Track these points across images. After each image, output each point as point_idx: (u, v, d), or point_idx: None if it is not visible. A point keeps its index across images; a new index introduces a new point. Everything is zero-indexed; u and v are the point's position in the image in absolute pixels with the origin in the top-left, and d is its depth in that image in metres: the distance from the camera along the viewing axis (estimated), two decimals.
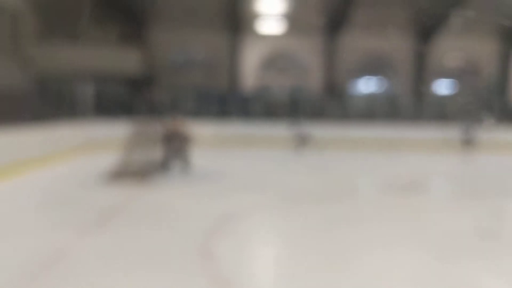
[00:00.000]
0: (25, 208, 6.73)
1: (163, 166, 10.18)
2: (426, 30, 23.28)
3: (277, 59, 24.88)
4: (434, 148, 16.44)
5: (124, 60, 20.61)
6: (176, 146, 10.00)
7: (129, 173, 9.36)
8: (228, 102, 19.99)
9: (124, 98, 18.54)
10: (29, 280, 3.87)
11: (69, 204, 7.04)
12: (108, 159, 10.69)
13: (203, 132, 17.97)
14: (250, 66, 24.43)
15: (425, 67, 24.50)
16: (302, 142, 15.93)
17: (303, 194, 8.10)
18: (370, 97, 24.69)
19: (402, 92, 23.45)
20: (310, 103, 20.81)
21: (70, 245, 4.81)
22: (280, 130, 19.05)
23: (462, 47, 24.50)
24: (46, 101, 11.62)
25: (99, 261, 4.42)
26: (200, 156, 10.43)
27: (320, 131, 19.02)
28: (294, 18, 23.20)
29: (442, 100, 24.17)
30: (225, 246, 4.94)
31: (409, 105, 21.66)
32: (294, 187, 8.78)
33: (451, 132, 16.10)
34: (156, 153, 10.22)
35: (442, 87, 25.19)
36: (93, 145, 14.02)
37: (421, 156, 15.43)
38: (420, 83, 24.18)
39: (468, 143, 15.16)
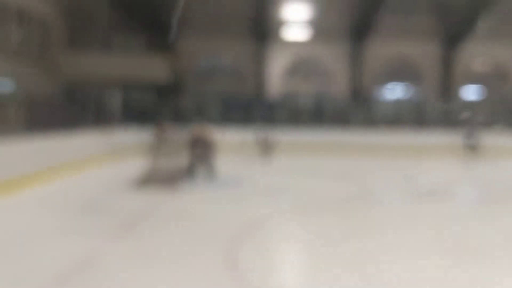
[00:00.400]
0: (56, 213, 6.90)
1: (188, 173, 10.31)
2: (453, 36, 22.90)
3: (303, 65, 24.90)
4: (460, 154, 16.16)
5: (151, 68, 21.01)
6: (201, 153, 10.09)
7: (156, 179, 9.50)
8: (254, 109, 20.06)
9: (151, 105, 18.83)
10: (66, 280, 3.99)
11: (98, 209, 7.19)
12: (136, 165, 10.88)
13: (228, 138, 18.14)
14: (276, 72, 24.52)
15: (452, 73, 24.10)
16: (266, 148, 15.68)
17: (331, 201, 8.08)
18: (397, 103, 24.41)
19: (429, 98, 23.07)
20: (335, 109, 20.69)
21: (100, 249, 4.93)
22: (304, 136, 19.04)
23: (489, 52, 24.03)
24: (74, 108, 11.91)
25: (127, 263, 4.52)
26: (225, 163, 10.50)
27: (345, 137, 18.96)
28: (319, 25, 23.22)
29: (470, 105, 23.70)
30: (248, 250, 4.99)
31: (436, 111, 21.33)
32: (319, 195, 8.73)
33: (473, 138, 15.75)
34: (182, 159, 10.34)
35: (470, 92, 24.76)
36: (120, 152, 14.27)
37: (448, 162, 15.17)
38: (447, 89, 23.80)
39: (472, 148, 14.79)
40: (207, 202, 7.90)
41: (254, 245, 5.32)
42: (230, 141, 17.98)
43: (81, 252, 4.82)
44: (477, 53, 23.83)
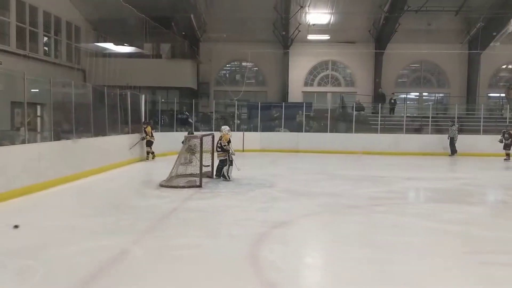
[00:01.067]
0: (87, 211, 7.34)
1: (214, 174, 10.73)
2: (479, 38, 22.59)
3: (325, 68, 25.04)
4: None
5: (178, 72, 21.55)
6: (226, 155, 10.45)
7: (180, 180, 9.91)
8: (278, 111, 20.34)
9: (178, 109, 19.33)
10: (100, 272, 4.35)
11: (126, 208, 7.61)
12: (163, 166, 11.32)
13: (253, 140, 18.49)
14: (298, 75, 24.72)
15: (478, 75, 23.78)
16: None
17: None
18: (421, 106, 24.32)
19: (455, 101, 22.82)
20: (358, 111, 20.77)
21: (127, 246, 5.30)
22: (328, 138, 19.21)
23: None
24: (100, 111, 12.45)
25: (152, 259, 4.88)
26: (251, 164, 10.77)
27: (367, 139, 19.04)
28: (341, 28, 23.31)
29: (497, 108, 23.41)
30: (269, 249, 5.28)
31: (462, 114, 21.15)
32: (337, 194, 8.90)
33: None
34: (207, 161, 10.73)
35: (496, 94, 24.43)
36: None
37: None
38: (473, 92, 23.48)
39: None
40: (230, 202, 8.23)
41: None
42: (255, 143, 18.37)
43: (120, 243, 5.28)
44: (504, 56, 23.49)
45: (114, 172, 12.03)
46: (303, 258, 5.30)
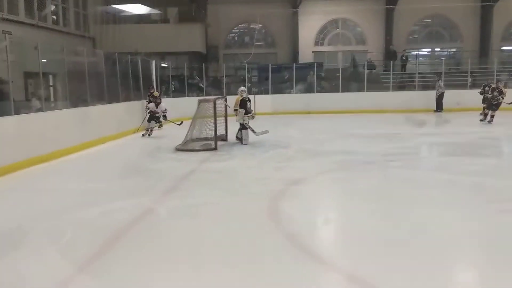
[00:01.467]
0: (106, 175, 7.52)
1: (226, 137, 10.81)
2: None
3: (335, 27, 24.61)
4: None
5: (187, 37, 21.34)
6: (239, 118, 10.40)
7: (195, 143, 10.03)
8: (287, 73, 20.18)
9: (188, 74, 19.25)
10: (125, 231, 4.51)
11: (144, 171, 7.78)
12: (177, 131, 11.44)
13: (264, 103, 18.43)
14: (308, 35, 24.35)
15: (491, 28, 23.18)
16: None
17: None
18: (433, 61, 23.89)
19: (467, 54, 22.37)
20: (369, 69, 20.51)
21: (151, 205, 5.46)
22: (339, 98, 19.10)
23: None
24: (113, 78, 12.48)
25: (176, 217, 5.05)
26: (263, 127, 10.79)
27: (379, 97, 18.89)
28: None
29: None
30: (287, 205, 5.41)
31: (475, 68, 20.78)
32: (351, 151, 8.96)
33: None
34: (220, 125, 10.76)
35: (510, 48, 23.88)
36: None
37: None
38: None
39: None
40: (244, 163, 8.35)
41: None
42: (267, 105, 18.33)
43: (142, 204, 5.43)
44: None
45: (129, 138, 12.19)
46: (320, 211, 5.43)
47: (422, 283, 3.25)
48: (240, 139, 10.44)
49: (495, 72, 19.00)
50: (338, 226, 4.88)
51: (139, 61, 14.29)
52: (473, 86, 18.40)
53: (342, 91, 19.46)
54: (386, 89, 19.46)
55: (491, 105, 13.61)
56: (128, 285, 3.37)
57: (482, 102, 14.54)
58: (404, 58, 21.95)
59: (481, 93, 14.68)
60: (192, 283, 3.36)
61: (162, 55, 21.16)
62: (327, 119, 16.43)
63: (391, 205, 5.32)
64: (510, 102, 13.32)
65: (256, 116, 10.96)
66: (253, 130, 10.39)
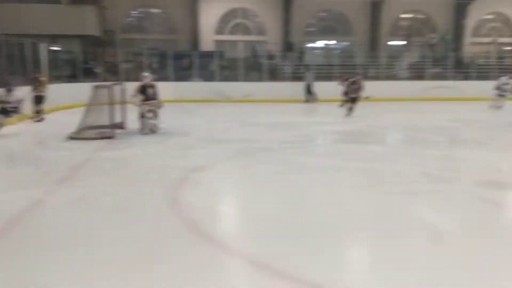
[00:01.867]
0: None
1: (123, 125, 10.38)
2: None
3: (235, 16, 24.81)
4: None
5: (80, 19, 20.11)
6: (134, 103, 10.00)
7: (90, 132, 9.52)
8: (188, 60, 19.96)
9: (82, 58, 18.20)
10: (10, 225, 4.18)
11: (33, 160, 7.26)
12: (69, 119, 10.78)
13: (164, 90, 18.00)
14: (209, 23, 24.28)
15: (380, 24, 24.99)
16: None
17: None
18: (327, 54, 25.10)
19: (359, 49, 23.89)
20: (269, 59, 21.04)
21: (42, 196, 5.11)
22: (238, 86, 19.34)
23: (415, 3, 25.13)
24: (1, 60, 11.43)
25: (70, 208, 4.78)
26: (164, 115, 10.57)
27: (278, 87, 19.49)
28: None
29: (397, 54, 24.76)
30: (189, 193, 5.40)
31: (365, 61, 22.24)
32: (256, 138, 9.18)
33: None
34: (115, 113, 10.27)
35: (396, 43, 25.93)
36: (52, 106, 13.90)
37: None
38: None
39: None
40: (141, 151, 8.14)
41: None
42: (167, 93, 17.93)
43: (32, 195, 5.05)
44: (404, 3, 24.87)
45: (17, 127, 11.22)
46: (222, 197, 5.51)
47: (321, 264, 3.42)
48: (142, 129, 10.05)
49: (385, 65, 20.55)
50: (239, 211, 4.99)
51: (26, 43, 13.19)
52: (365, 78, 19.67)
53: (243, 81, 19.74)
54: (286, 79, 20.15)
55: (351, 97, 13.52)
56: (17, 279, 3.15)
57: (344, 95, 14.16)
58: (301, 50, 22.84)
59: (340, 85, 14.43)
60: (86, 275, 3.23)
61: (52, 38, 19.73)
62: (228, 108, 16.58)
63: (289, 188, 5.56)
64: (367, 96, 13.57)
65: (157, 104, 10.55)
66: (151, 121, 9.98)
